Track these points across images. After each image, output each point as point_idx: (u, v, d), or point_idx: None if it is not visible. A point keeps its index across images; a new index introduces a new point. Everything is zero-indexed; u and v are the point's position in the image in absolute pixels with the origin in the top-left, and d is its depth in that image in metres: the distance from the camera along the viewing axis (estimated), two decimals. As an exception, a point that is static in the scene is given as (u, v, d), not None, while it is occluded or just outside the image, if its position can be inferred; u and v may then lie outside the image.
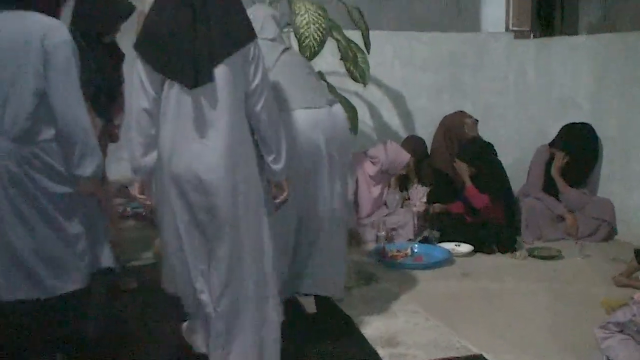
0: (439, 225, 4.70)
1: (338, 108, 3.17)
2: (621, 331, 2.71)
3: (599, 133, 4.86)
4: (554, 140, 4.93)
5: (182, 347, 2.88)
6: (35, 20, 2.44)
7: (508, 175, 4.80)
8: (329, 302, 3.39)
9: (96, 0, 3.21)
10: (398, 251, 4.34)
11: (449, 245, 4.44)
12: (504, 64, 5.75)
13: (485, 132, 5.14)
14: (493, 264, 4.23)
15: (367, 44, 4.31)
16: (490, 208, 4.60)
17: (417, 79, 5.59)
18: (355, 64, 4.25)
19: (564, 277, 3.94)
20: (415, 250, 4.38)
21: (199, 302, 2.57)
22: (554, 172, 4.83)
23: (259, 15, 2.99)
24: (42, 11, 2.48)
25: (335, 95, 4.03)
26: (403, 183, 5.06)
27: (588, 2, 6.87)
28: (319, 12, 3.71)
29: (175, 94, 2.39)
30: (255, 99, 2.47)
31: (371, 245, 4.49)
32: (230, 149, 2.40)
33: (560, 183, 4.81)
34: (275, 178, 2.67)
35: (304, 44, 3.64)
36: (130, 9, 3.32)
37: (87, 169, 2.50)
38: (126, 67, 3.41)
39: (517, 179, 5.09)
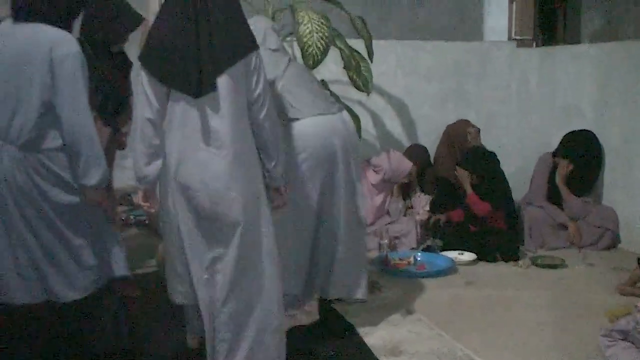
0: (442, 233, 4.70)
1: (346, 114, 3.27)
2: (625, 339, 2.71)
3: (602, 141, 4.86)
4: (557, 148, 4.93)
5: (185, 355, 2.89)
6: (44, 33, 2.49)
7: (511, 183, 4.80)
8: (332, 310, 3.39)
9: (105, 11, 3.22)
10: (401, 259, 4.33)
11: (452, 254, 4.44)
12: (507, 72, 5.76)
13: (488, 141, 5.14)
14: (496, 273, 4.22)
15: (370, 53, 4.32)
16: (491, 216, 4.60)
17: (420, 87, 5.60)
18: (358, 72, 4.26)
19: (567, 286, 3.93)
20: (418, 259, 4.37)
21: (199, 310, 2.58)
22: (558, 180, 4.82)
23: (260, 27, 3.03)
24: (54, 24, 2.52)
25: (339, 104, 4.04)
26: (406, 191, 5.06)
27: (591, 11, 6.89)
28: (322, 21, 3.72)
29: (180, 104, 2.45)
30: (257, 108, 2.53)
31: (374, 254, 4.48)
32: (236, 157, 2.46)
33: (564, 191, 4.80)
34: (275, 183, 2.74)
35: (307, 53, 3.65)
36: (139, 20, 3.35)
37: (92, 178, 2.53)
38: (132, 76, 3.43)
39: (520, 188, 5.09)
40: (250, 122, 2.55)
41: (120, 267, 2.77)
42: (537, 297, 3.73)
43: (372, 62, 4.35)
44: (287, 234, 3.03)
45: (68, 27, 2.59)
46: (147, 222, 5.09)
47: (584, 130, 4.88)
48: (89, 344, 2.75)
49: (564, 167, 4.81)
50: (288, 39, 4.35)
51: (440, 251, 4.53)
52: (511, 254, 4.43)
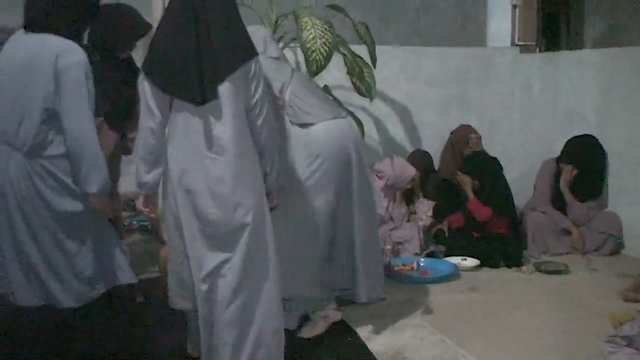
0: (444, 239, 4.69)
1: (351, 119, 3.33)
2: (629, 345, 2.70)
3: (605, 147, 4.85)
4: (561, 154, 4.92)
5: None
6: (51, 42, 2.55)
7: (514, 189, 4.80)
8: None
9: (113, 18, 3.24)
10: (404, 265, 4.33)
11: (455, 260, 4.43)
12: (510, 78, 5.77)
13: (491, 146, 5.15)
14: (499, 279, 4.21)
15: (374, 59, 4.32)
16: (493, 222, 4.59)
17: (423, 93, 5.61)
18: (361, 78, 4.26)
19: (571, 292, 3.92)
20: (421, 265, 4.37)
21: (199, 314, 2.60)
22: (563, 185, 4.81)
23: (258, 36, 3.05)
24: (63, 35, 2.57)
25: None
26: (409, 197, 5.06)
27: (594, 17, 6.90)
28: (326, 26, 3.73)
29: (182, 112, 2.50)
30: (256, 113, 2.58)
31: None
32: (238, 161, 2.50)
33: (568, 197, 4.79)
34: (269, 187, 2.78)
35: (310, 59, 3.66)
36: (147, 28, 3.37)
37: (93, 186, 2.57)
38: (139, 82, 3.45)
39: (523, 193, 5.08)
40: (249, 127, 2.59)
41: (125, 275, 2.78)
42: (540, 303, 3.72)
43: (375, 67, 4.36)
44: (305, 237, 3.08)
45: (77, 38, 2.63)
46: (150, 227, 5.09)
47: (588, 135, 4.88)
48: (89, 348, 2.76)
49: (568, 172, 4.80)
50: (291, 44, 4.37)
51: (444, 257, 4.52)
52: (514, 260, 4.43)
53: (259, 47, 2.68)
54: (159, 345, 3.16)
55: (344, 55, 4.16)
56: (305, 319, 3.29)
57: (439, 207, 4.94)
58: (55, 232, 2.59)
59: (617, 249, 4.74)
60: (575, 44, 7.21)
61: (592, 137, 4.87)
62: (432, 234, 4.73)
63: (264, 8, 4.29)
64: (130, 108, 3.44)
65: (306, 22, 3.73)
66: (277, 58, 3.15)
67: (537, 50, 5.83)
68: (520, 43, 5.77)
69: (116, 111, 3.24)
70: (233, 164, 2.49)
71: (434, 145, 5.43)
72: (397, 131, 5.60)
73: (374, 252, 3.30)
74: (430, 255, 4.58)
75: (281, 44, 4.29)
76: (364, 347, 3.14)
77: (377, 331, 3.30)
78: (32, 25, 2.58)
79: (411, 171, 4.84)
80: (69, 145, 2.52)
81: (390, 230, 4.73)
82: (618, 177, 4.84)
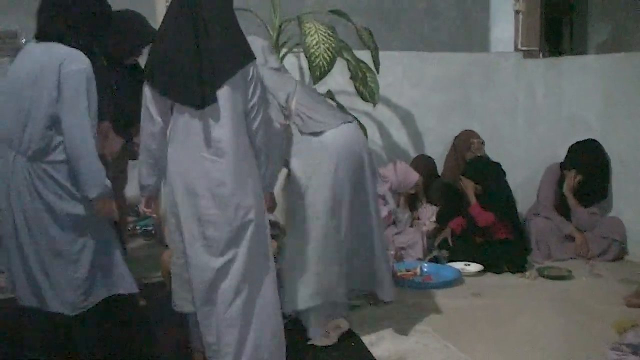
0: (449, 248, 4.69)
1: (357, 122, 3.45)
2: (634, 353, 2.70)
3: (609, 152, 4.85)
4: (564, 160, 4.92)
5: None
6: (57, 50, 2.61)
7: (518, 194, 4.80)
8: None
9: (120, 25, 3.26)
10: (407, 270, 4.33)
11: (458, 265, 4.43)
12: (513, 83, 5.76)
13: (495, 152, 5.14)
14: (503, 284, 4.21)
15: (377, 64, 4.33)
16: (495, 227, 4.59)
17: (426, 98, 5.61)
18: (364, 83, 4.27)
19: (575, 297, 3.91)
20: (425, 270, 4.37)
21: (199, 316, 2.63)
22: (567, 191, 4.81)
23: (257, 46, 3.08)
24: (72, 44, 2.63)
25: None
26: (412, 202, 5.05)
27: (597, 22, 6.90)
28: (329, 32, 3.74)
29: (183, 116, 2.55)
30: (253, 116, 2.64)
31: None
32: (238, 163, 2.56)
33: (572, 202, 4.79)
34: (265, 190, 2.82)
35: (314, 64, 3.67)
36: (154, 34, 3.39)
37: (93, 191, 2.61)
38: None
39: (527, 199, 5.08)
40: (246, 129, 2.64)
41: (125, 283, 2.80)
42: (543, 308, 3.72)
43: (378, 73, 4.36)
44: (334, 242, 3.13)
45: (87, 47, 2.67)
46: (153, 232, 5.10)
47: (591, 140, 4.88)
48: (90, 351, 2.78)
49: (572, 178, 4.79)
50: (295, 50, 4.37)
51: (447, 262, 4.52)
52: (518, 265, 4.42)
53: (259, 59, 2.75)
54: (162, 350, 3.16)
55: (347, 60, 4.16)
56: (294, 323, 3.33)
57: (443, 213, 4.93)
58: (54, 236, 2.63)
59: (621, 254, 4.73)
60: (579, 49, 7.21)
61: (595, 142, 4.86)
62: (437, 245, 4.72)
63: (268, 13, 4.30)
64: (136, 113, 3.46)
65: (310, 27, 3.74)
66: (277, 69, 3.23)
67: (541, 55, 5.83)
68: (523, 48, 5.76)
69: (122, 116, 3.26)
70: (233, 166, 2.53)
71: (438, 150, 5.42)
72: (400, 136, 5.59)
73: (385, 254, 3.42)
74: (434, 260, 4.57)
75: (285, 50, 4.30)
76: (367, 352, 3.14)
77: (381, 336, 3.30)
78: (42, 34, 2.66)
79: (414, 176, 4.84)
80: (67, 151, 2.57)
81: (394, 235, 4.73)
82: (621, 183, 4.84)
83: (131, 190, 3.67)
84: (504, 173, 4.74)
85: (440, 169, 5.34)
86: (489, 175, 4.68)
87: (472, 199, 4.64)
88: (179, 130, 2.56)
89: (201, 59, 2.48)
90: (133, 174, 3.72)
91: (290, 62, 4.82)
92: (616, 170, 4.86)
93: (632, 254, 4.72)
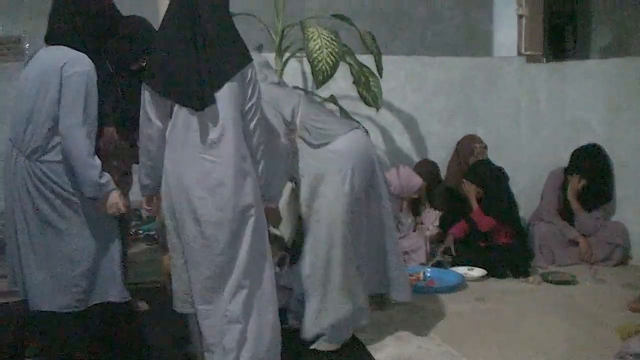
0: (451, 253, 4.69)
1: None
2: (641, 362, 2.68)
3: (612, 157, 4.84)
4: (568, 165, 4.91)
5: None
6: (62, 53, 2.66)
7: (521, 199, 4.79)
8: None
9: (126, 30, 3.26)
10: (410, 275, 4.31)
11: (461, 270, 4.42)
12: (516, 88, 5.76)
13: (498, 156, 5.14)
14: (506, 289, 4.20)
15: (380, 69, 4.32)
16: (496, 231, 4.58)
17: (429, 103, 5.61)
18: (367, 88, 4.26)
19: (578, 303, 3.90)
20: (428, 275, 4.36)
21: (198, 314, 2.65)
22: (571, 196, 4.80)
23: (255, 62, 3.07)
24: (79, 49, 2.68)
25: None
26: (415, 207, 5.05)
27: (600, 26, 6.88)
28: (332, 36, 3.74)
29: (182, 117, 2.57)
30: (250, 117, 2.66)
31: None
32: (237, 163, 2.57)
33: (576, 207, 4.78)
34: (270, 203, 2.86)
35: (316, 69, 3.67)
36: None
37: (89, 192, 2.67)
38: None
39: (530, 204, 5.07)
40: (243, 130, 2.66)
41: (116, 292, 2.82)
42: (547, 313, 3.71)
43: (381, 77, 4.36)
44: (346, 250, 3.11)
45: (94, 51, 2.70)
46: (156, 237, 5.09)
47: (594, 144, 4.87)
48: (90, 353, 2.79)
49: (576, 182, 4.79)
50: (298, 54, 4.37)
51: (450, 267, 4.51)
52: (521, 270, 4.42)
53: (259, 75, 2.78)
54: (163, 354, 3.16)
55: (350, 65, 4.16)
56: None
57: (446, 217, 4.93)
58: (53, 236, 2.65)
59: (625, 259, 4.72)
60: (582, 53, 7.19)
61: (598, 147, 4.86)
62: (440, 252, 4.72)
63: (271, 18, 4.30)
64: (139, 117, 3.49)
65: (312, 32, 3.74)
66: (277, 83, 3.26)
67: (544, 60, 5.82)
68: (526, 53, 5.75)
69: (127, 120, 3.27)
70: (232, 166, 2.55)
71: (441, 155, 5.42)
72: (403, 141, 5.59)
73: (401, 253, 3.46)
74: (437, 265, 4.57)
75: (287, 54, 4.30)
76: (370, 357, 3.13)
77: (384, 341, 3.30)
78: (50, 37, 2.72)
79: (418, 181, 4.84)
80: (64, 151, 2.63)
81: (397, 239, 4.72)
82: (625, 187, 4.83)
83: (134, 194, 3.67)
84: (507, 178, 4.73)
85: (443, 174, 5.33)
86: (490, 179, 4.67)
87: (474, 205, 4.63)
88: (178, 131, 2.57)
89: (200, 61, 2.50)
90: (136, 179, 3.73)
91: (293, 66, 4.82)
92: (620, 175, 4.85)
93: (636, 259, 4.71)
